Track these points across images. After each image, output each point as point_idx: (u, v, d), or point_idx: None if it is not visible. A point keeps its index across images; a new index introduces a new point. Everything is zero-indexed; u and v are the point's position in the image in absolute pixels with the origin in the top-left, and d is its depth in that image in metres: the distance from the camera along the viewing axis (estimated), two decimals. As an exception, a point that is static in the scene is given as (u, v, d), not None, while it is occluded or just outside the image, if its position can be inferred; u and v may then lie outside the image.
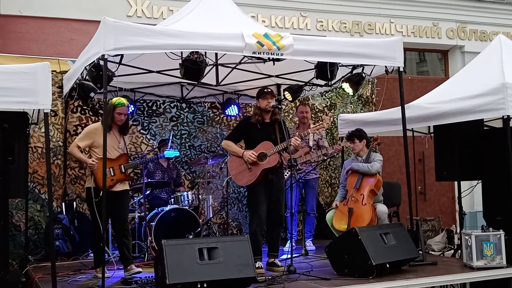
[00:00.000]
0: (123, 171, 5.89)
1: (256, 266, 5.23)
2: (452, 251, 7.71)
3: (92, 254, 7.09)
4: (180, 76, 5.65)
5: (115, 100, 5.92)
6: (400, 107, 6.22)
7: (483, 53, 7.08)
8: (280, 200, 5.97)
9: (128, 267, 5.75)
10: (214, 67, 6.24)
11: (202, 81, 5.88)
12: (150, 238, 6.72)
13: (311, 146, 7.44)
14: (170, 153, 6.81)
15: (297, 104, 8.16)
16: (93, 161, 5.73)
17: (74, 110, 7.65)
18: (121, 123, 5.88)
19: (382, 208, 6.53)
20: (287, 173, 6.82)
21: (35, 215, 7.26)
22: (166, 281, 4.50)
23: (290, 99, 7.67)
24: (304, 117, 7.53)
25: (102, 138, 5.35)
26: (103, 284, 5.00)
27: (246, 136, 6.07)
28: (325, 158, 7.61)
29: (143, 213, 6.90)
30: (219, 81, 6.58)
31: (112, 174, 5.79)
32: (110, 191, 5.68)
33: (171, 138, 7.40)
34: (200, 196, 7.70)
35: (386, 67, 6.16)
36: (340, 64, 6.24)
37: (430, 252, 7.77)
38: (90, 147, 5.85)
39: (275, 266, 5.82)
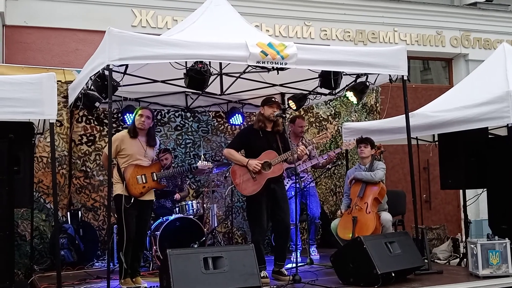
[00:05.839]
0: (155, 179, 5.84)
1: (261, 275, 5.22)
2: (457, 260, 7.68)
3: (97, 264, 7.14)
4: (185, 85, 5.67)
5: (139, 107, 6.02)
6: (404, 115, 6.23)
7: (487, 61, 7.09)
8: (286, 210, 5.94)
9: (135, 279, 5.70)
10: (219, 77, 6.26)
11: (206, 90, 5.90)
12: (155, 247, 6.72)
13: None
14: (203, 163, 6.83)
15: (290, 116, 8.01)
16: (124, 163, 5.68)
17: (79, 119, 7.67)
18: (142, 126, 5.75)
19: (386, 216, 6.51)
20: (287, 182, 6.80)
21: (41, 224, 7.26)
22: (171, 291, 4.49)
23: (294, 107, 7.65)
24: (302, 131, 7.48)
25: (127, 145, 5.65)
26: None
27: (248, 144, 6.03)
28: (329, 167, 7.58)
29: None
30: (224, 91, 6.62)
31: (144, 181, 5.75)
32: (138, 199, 5.67)
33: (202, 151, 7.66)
34: (204, 205, 7.70)
35: (390, 75, 6.16)
36: (344, 73, 6.24)
37: (435, 260, 7.73)
38: (117, 155, 5.75)
39: (281, 275, 5.81)
